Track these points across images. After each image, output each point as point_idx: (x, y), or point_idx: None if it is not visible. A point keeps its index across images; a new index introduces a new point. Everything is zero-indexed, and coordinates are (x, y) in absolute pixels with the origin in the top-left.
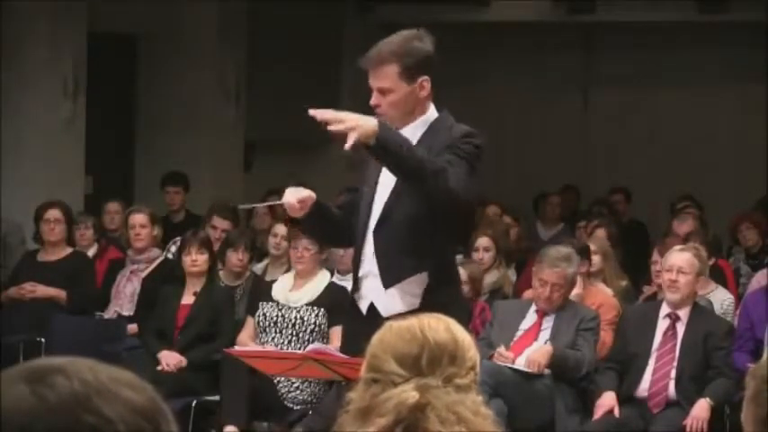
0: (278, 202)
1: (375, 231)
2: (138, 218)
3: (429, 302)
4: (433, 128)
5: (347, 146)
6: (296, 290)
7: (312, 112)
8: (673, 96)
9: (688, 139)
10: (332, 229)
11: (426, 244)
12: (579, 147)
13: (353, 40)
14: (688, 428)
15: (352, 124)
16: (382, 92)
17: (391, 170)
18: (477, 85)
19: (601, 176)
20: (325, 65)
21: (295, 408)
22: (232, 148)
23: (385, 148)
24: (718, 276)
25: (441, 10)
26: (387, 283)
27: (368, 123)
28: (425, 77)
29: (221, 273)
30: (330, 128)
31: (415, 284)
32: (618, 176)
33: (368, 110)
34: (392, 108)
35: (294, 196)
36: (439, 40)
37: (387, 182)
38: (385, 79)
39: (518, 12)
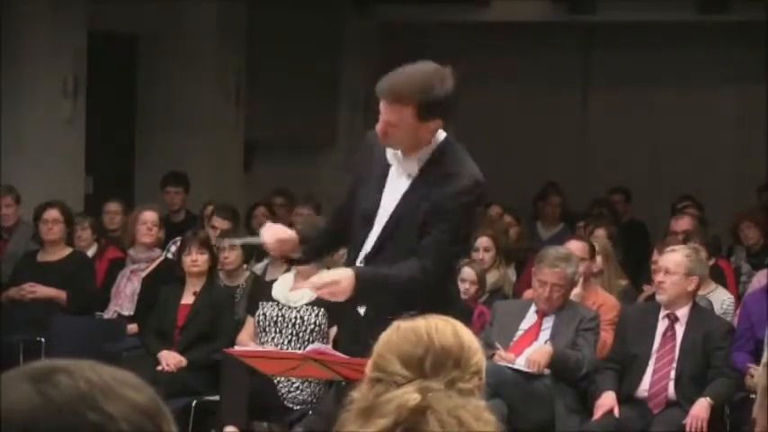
0: (258, 242)
1: (367, 260)
2: (150, 215)
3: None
4: (433, 158)
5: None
6: (296, 290)
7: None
8: (673, 96)
9: (688, 138)
10: (330, 245)
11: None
12: (579, 146)
13: (353, 40)
14: (688, 427)
15: (334, 290)
16: (390, 125)
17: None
18: (477, 86)
19: (601, 176)
20: (325, 65)
21: (295, 408)
22: (232, 148)
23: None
24: (718, 276)
25: (441, 10)
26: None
27: (346, 283)
28: (438, 121)
29: (221, 273)
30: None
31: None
32: (618, 176)
33: (366, 110)
34: (395, 139)
35: (272, 236)
36: (439, 41)
37: (388, 206)
38: (396, 117)
39: (518, 12)
